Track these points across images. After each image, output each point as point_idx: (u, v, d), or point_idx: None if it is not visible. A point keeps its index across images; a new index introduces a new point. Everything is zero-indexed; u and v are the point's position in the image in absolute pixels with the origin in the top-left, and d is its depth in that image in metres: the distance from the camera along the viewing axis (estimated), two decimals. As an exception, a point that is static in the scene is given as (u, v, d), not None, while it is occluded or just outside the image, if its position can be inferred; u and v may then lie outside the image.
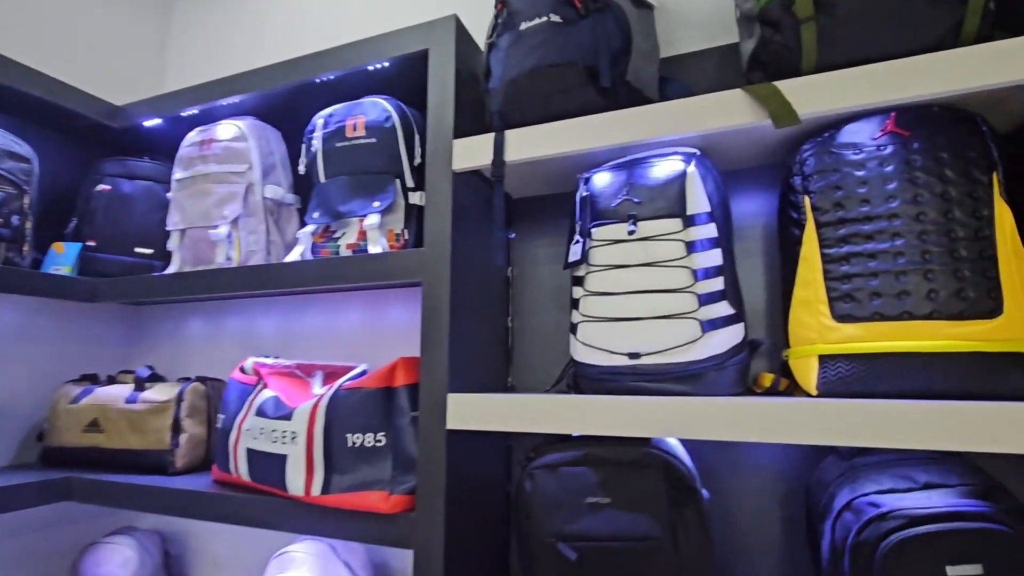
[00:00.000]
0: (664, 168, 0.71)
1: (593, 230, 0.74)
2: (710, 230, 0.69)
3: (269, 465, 0.81)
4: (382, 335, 1.09)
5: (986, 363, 0.57)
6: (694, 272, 0.67)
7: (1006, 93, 0.60)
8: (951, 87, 0.57)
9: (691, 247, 0.68)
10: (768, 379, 0.75)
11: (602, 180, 0.75)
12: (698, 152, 0.73)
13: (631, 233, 0.68)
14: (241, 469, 0.85)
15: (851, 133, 0.67)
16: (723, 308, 0.68)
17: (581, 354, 0.73)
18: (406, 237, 0.90)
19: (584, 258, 0.73)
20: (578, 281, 0.75)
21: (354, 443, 0.77)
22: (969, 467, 0.60)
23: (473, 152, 0.77)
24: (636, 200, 0.71)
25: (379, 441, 0.77)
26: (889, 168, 0.63)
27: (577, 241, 0.74)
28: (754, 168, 0.85)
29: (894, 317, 0.60)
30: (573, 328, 0.76)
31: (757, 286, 0.83)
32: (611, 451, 0.66)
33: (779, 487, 0.78)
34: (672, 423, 0.61)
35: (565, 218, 0.94)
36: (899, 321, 0.60)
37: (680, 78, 0.86)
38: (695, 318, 0.67)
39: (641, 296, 0.69)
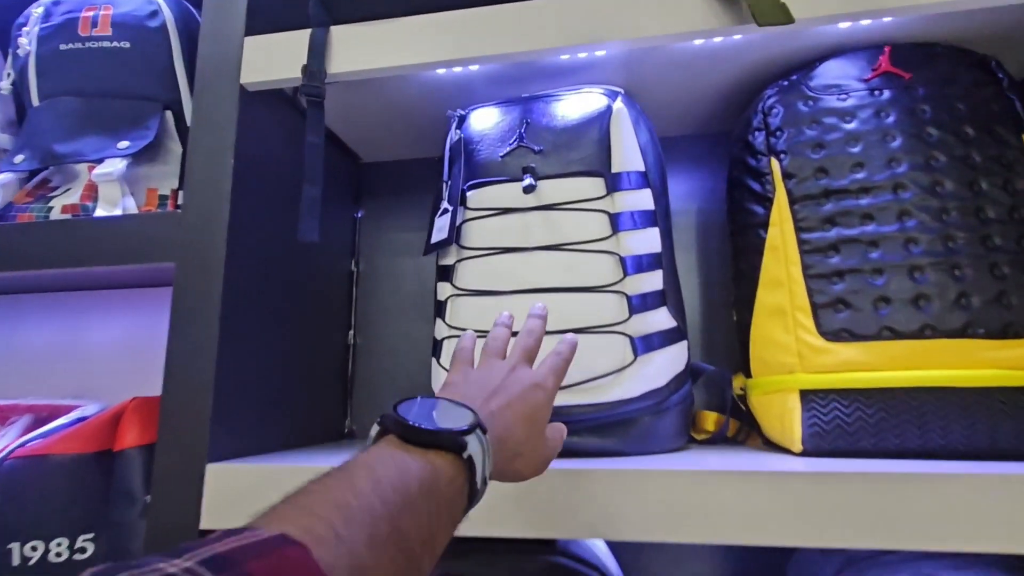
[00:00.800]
0: (578, 104, 0.47)
1: (469, 193, 0.47)
2: (644, 198, 0.45)
3: None
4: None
5: (1044, 403, 0.38)
6: (622, 261, 0.43)
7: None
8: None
9: (617, 222, 0.44)
10: (711, 420, 0.53)
11: (485, 118, 0.49)
12: (623, 91, 0.50)
13: (528, 191, 0.42)
14: None
15: (831, 73, 0.47)
16: (662, 318, 0.45)
17: (446, 389, 0.46)
18: (179, 203, 0.57)
19: (454, 236, 0.46)
20: (445, 274, 0.48)
21: (26, 559, 0.42)
22: (1004, 557, 0.41)
23: (277, 58, 0.47)
24: (536, 148, 0.46)
25: (81, 551, 0.43)
26: (890, 119, 0.44)
27: (445, 211, 0.47)
28: (688, 137, 0.64)
29: (912, 334, 0.40)
30: (436, 348, 0.48)
31: (689, 290, 0.61)
32: (488, 564, 0.38)
33: None
34: (593, 515, 0.35)
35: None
36: (920, 340, 0.40)
37: None
38: (624, 333, 0.42)
39: (542, 297, 0.43)
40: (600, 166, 0.44)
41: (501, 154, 0.46)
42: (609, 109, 0.46)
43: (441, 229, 0.47)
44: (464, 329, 0.45)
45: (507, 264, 0.44)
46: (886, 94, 0.45)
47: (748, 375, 0.49)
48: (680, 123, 0.61)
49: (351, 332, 0.67)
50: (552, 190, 0.44)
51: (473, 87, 0.54)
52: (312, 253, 0.58)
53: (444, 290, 0.47)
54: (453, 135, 0.49)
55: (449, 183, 0.48)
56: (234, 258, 0.45)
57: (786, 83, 0.49)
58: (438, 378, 0.47)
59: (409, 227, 0.68)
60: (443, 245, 0.46)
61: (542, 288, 0.43)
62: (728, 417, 0.51)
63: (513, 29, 0.44)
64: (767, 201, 0.47)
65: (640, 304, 0.43)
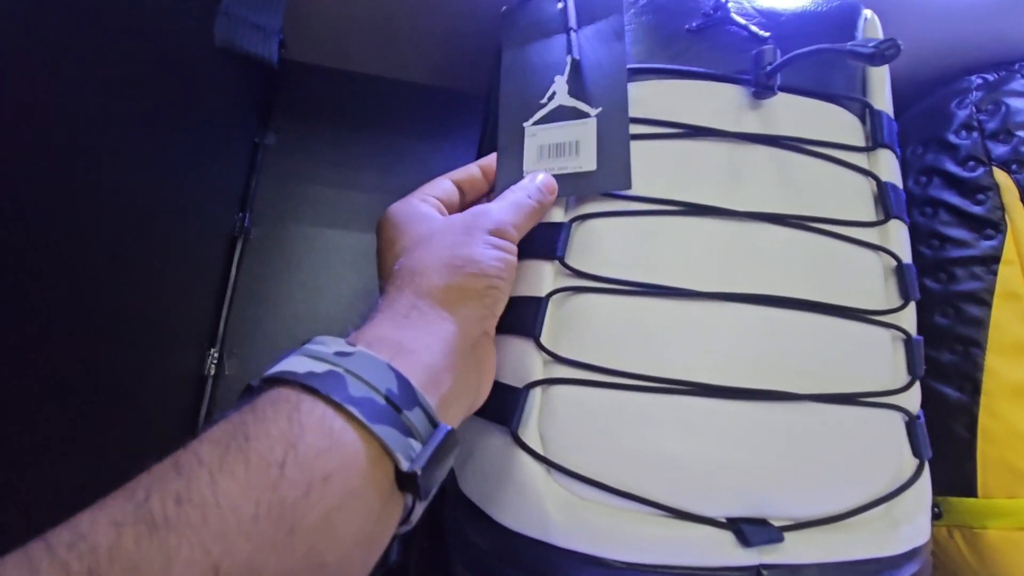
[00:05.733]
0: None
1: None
2: (899, 170, 0.26)
3: None
4: None
5: None
6: (900, 271, 0.22)
7: None
8: None
9: (887, 198, 0.23)
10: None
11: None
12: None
13: (763, 95, 0.20)
14: None
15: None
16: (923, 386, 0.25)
17: (554, 497, 0.19)
18: None
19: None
20: (549, 245, 0.22)
21: None
22: None
23: None
24: (761, 30, 0.24)
25: None
26: None
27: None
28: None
29: None
30: (523, 397, 0.21)
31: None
32: None
33: None
34: None
35: (398, 131, 0.38)
36: None
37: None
38: (901, 407, 0.21)
39: (772, 314, 0.20)
40: (857, 92, 0.24)
41: (688, 28, 0.23)
42: (857, 8, 0.26)
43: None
44: (583, 381, 0.20)
45: (696, 238, 0.21)
46: None
47: (965, 489, 0.31)
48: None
49: (211, 352, 0.35)
50: (787, 114, 0.22)
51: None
52: (167, 198, 0.27)
53: (546, 277, 0.21)
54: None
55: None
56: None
57: (999, 75, 0.35)
58: (526, 474, 0.20)
59: (355, 182, 0.40)
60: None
61: (771, 296, 0.20)
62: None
63: None
64: (992, 227, 0.32)
65: (919, 357, 0.23)
